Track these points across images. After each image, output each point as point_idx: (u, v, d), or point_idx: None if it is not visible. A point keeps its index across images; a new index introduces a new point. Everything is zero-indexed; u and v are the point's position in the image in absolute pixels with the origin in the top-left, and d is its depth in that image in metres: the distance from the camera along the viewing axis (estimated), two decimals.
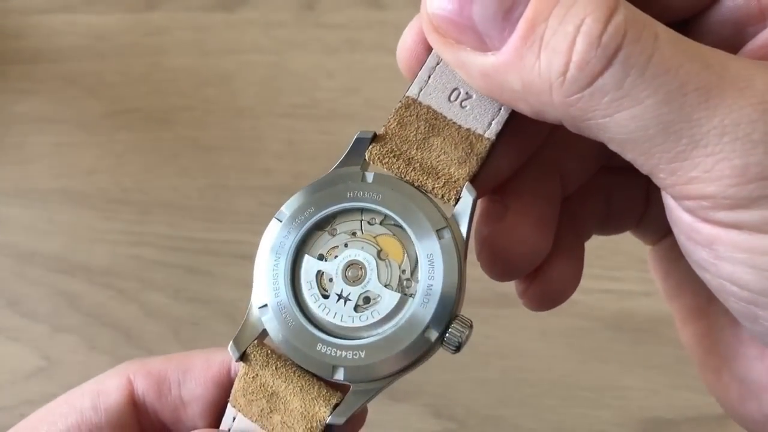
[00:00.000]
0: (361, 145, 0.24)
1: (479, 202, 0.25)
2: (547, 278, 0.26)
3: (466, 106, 0.24)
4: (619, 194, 0.29)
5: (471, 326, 0.23)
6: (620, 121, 0.19)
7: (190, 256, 0.49)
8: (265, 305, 0.24)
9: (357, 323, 0.23)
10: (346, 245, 0.24)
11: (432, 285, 0.23)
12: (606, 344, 0.47)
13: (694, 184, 0.20)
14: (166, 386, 0.26)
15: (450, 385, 0.46)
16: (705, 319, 0.28)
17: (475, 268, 0.25)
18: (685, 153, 0.19)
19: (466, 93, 0.24)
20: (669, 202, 0.22)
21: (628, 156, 0.21)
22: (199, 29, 0.54)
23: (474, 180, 0.24)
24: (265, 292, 0.24)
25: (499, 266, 0.26)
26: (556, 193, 0.27)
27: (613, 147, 0.21)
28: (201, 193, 0.50)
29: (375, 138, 0.24)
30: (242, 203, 0.50)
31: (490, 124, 0.24)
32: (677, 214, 0.22)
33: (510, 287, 0.27)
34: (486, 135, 0.24)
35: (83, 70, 0.53)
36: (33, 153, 0.52)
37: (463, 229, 0.23)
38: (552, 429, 0.46)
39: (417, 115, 0.24)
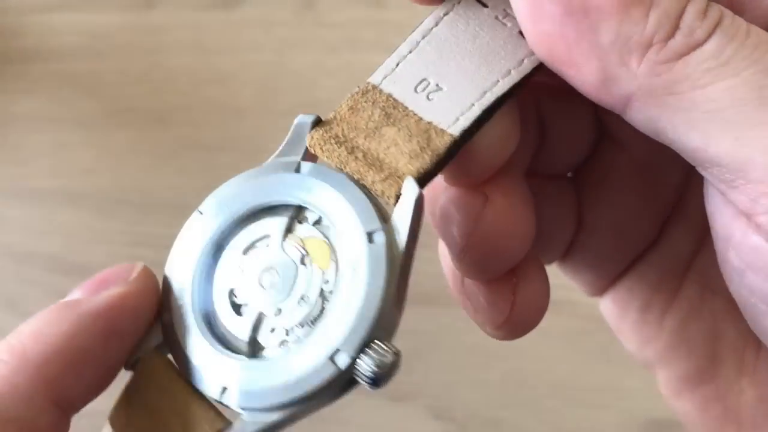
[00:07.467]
0: (301, 130, 0.21)
1: (454, 194, 0.22)
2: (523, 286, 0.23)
3: (432, 99, 0.21)
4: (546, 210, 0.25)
5: (395, 354, 0.18)
6: (713, 94, 0.17)
7: None
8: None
9: (259, 338, 0.20)
10: (267, 246, 0.20)
11: (351, 299, 0.18)
12: (608, 345, 0.46)
13: None
14: None
15: (450, 386, 0.46)
16: (712, 381, 0.24)
17: None
18: None
19: (437, 84, 0.21)
20: (750, 238, 0.18)
21: (711, 148, 0.18)
22: (198, 28, 0.53)
23: (426, 179, 0.20)
24: None
25: (490, 262, 0.22)
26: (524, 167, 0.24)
27: (688, 137, 0.18)
28: (200, 193, 0.49)
29: (319, 122, 0.21)
30: None
31: (457, 119, 0.20)
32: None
33: None
34: (449, 130, 0.20)
35: (81, 69, 0.53)
36: (31, 152, 0.51)
37: (403, 233, 0.19)
38: (553, 430, 0.46)
39: (373, 102, 0.21)
